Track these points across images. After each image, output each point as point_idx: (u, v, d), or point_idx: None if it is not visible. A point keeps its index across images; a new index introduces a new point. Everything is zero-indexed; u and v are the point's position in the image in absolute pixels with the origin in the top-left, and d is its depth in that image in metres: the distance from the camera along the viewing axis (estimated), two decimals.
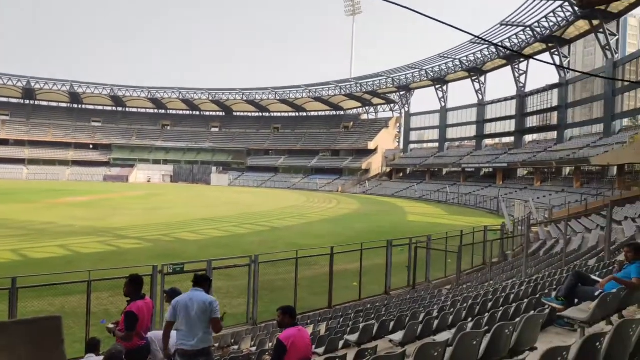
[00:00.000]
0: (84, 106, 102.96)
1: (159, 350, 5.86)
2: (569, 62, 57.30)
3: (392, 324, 7.75)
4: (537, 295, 7.31)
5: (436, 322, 7.01)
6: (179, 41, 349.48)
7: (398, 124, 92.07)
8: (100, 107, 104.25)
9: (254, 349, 8.76)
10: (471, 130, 72.94)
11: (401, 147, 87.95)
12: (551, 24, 50.56)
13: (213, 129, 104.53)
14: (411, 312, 8.70)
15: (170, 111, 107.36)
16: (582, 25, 49.49)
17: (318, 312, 13.42)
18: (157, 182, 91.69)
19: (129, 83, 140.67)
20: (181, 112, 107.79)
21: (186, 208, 41.96)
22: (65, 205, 40.73)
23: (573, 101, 54.04)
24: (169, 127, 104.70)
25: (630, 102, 44.79)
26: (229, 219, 34.70)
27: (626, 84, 41.88)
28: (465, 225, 28.39)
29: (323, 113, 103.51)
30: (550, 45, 54.62)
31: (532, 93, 61.05)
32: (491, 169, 64.47)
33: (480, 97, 70.64)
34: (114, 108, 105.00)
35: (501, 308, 6.72)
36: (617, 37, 47.15)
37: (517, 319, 4.79)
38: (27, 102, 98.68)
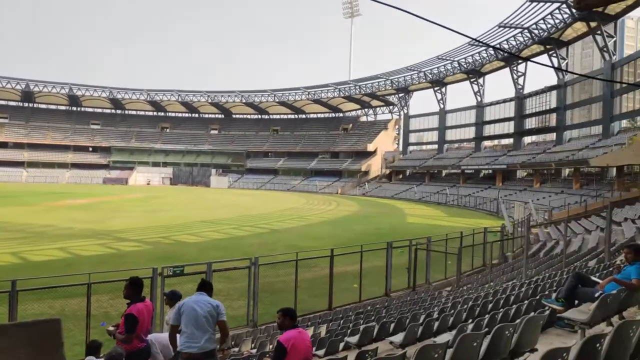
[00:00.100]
0: (83, 109, 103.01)
1: (159, 353, 5.86)
2: (567, 63, 57.43)
3: (392, 325, 7.75)
4: (537, 297, 7.32)
5: (436, 323, 7.01)
6: (178, 44, 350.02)
7: (397, 126, 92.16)
8: (99, 110, 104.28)
9: (254, 351, 8.76)
10: (470, 132, 73.04)
11: (400, 149, 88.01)
12: (549, 25, 50.69)
13: (212, 132, 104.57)
14: (411, 313, 8.70)
15: (170, 114, 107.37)
16: (580, 27, 49.63)
17: (318, 314, 13.41)
18: (157, 184, 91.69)
19: (128, 86, 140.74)
20: (180, 115, 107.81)
21: (186, 210, 41.94)
22: (64, 208, 40.70)
23: (571, 103, 54.15)
24: (168, 130, 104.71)
25: (628, 104, 44.88)
26: (228, 221, 34.68)
27: (624, 85, 41.98)
28: (465, 226, 28.40)
29: (322, 115, 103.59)
30: (548, 47, 54.74)
31: (530, 95, 61.16)
32: (490, 171, 64.53)
33: (479, 98, 70.75)
34: (113, 111, 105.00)
35: (501, 309, 6.72)
36: (614, 38, 47.29)
37: (517, 321, 4.79)
38: (26, 104, 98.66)
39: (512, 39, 55.91)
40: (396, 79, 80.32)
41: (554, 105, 56.28)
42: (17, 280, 9.32)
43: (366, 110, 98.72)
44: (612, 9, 42.94)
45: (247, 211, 42.96)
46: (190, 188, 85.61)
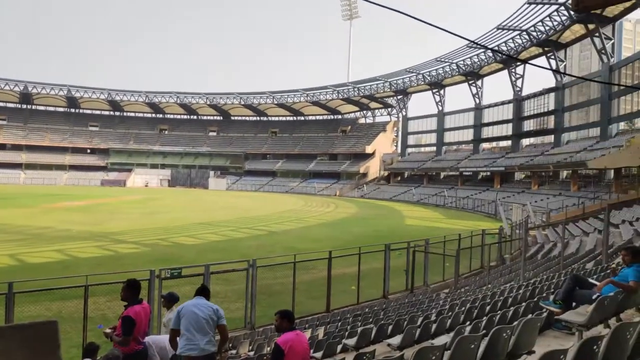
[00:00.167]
0: (81, 110, 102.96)
1: (157, 355, 5.85)
2: (565, 66, 57.66)
3: (390, 327, 7.74)
4: (535, 299, 7.32)
5: (434, 325, 7.01)
6: (177, 46, 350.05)
7: (395, 128, 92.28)
8: (97, 112, 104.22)
9: (251, 353, 8.75)
10: (468, 134, 73.17)
11: (399, 151, 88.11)
12: (547, 28, 50.85)
13: (211, 133, 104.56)
14: (409, 316, 8.69)
15: (168, 115, 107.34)
16: (578, 29, 49.81)
17: (316, 316, 13.38)
18: (155, 186, 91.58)
19: (126, 87, 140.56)
20: (179, 117, 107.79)
21: (184, 212, 41.89)
22: (62, 210, 40.63)
23: (569, 105, 54.30)
24: (166, 132, 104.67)
25: (626, 106, 45.02)
26: (226, 223, 34.65)
27: (622, 87, 42.11)
28: (463, 228, 28.42)
29: (321, 117, 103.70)
30: (546, 49, 54.91)
31: (528, 97, 61.33)
32: (488, 173, 64.64)
33: (477, 101, 70.89)
34: (111, 112, 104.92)
35: (499, 312, 6.72)
36: (612, 41, 47.42)
37: (515, 323, 4.79)
38: (24, 106, 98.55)
39: (511, 41, 56.08)
40: (395, 81, 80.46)
41: (552, 107, 56.43)
42: (14, 283, 9.29)
43: (365, 112, 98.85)
44: (610, 11, 43.11)
45: (245, 213, 42.93)
46: (188, 190, 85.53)
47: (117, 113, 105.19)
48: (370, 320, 10.01)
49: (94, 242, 24.57)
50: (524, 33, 53.43)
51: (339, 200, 67.07)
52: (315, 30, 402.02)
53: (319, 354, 7.08)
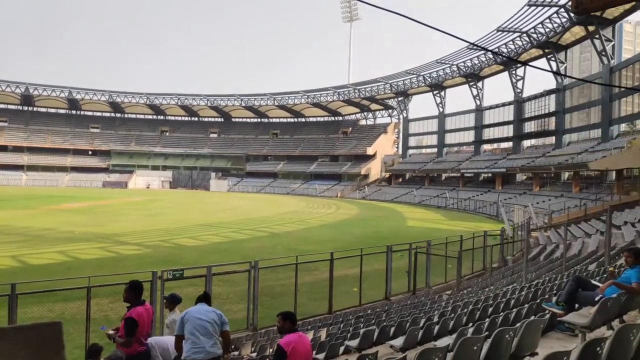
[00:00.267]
0: (82, 112, 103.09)
1: (159, 356, 5.86)
2: (565, 67, 57.62)
3: (392, 329, 7.74)
4: (538, 301, 7.32)
5: (437, 327, 7.01)
6: (177, 48, 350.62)
7: (396, 130, 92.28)
8: (98, 114, 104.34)
9: (254, 354, 8.75)
10: (469, 136, 73.14)
11: (400, 152, 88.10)
12: (547, 30, 50.84)
13: (212, 135, 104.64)
14: (412, 317, 8.69)
15: (169, 117, 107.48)
16: (578, 31, 49.80)
17: (318, 318, 13.38)
18: (156, 188, 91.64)
19: (127, 89, 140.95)
20: (180, 118, 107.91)
21: (185, 214, 41.92)
22: (64, 212, 40.68)
23: (570, 106, 54.27)
24: (167, 133, 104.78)
25: (627, 107, 44.99)
26: (228, 225, 34.67)
27: (623, 89, 42.10)
28: (464, 230, 28.40)
29: (321, 119, 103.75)
30: (546, 51, 54.90)
31: (529, 98, 61.30)
32: (490, 174, 64.59)
33: (478, 102, 70.88)
34: (112, 114, 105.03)
35: (502, 313, 6.72)
36: (612, 42, 47.42)
37: (518, 324, 4.79)
38: (25, 108, 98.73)
39: (511, 42, 56.08)
40: (395, 83, 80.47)
41: (553, 108, 56.41)
42: (17, 284, 9.31)
43: (365, 113, 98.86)
44: (610, 13, 43.13)
45: (247, 214, 42.95)
46: (189, 191, 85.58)
47: (118, 115, 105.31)
48: (373, 321, 10.01)
49: (96, 243, 24.61)
50: (524, 35, 53.43)
51: (341, 202, 67.06)
52: (316, 32, 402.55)
53: (321, 356, 7.09)
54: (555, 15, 47.80)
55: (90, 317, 9.70)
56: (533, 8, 47.18)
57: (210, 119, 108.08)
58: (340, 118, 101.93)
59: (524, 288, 10.08)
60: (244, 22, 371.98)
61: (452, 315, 7.68)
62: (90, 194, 66.66)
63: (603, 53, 46.15)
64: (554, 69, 54.05)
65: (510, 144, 66.16)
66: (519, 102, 62.78)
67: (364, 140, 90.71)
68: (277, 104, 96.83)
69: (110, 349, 5.61)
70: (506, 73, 64.91)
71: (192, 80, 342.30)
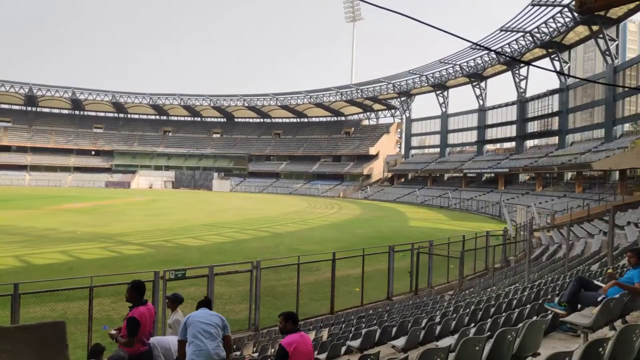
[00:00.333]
0: (85, 113, 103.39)
1: (161, 356, 5.86)
2: (569, 67, 57.44)
3: (394, 329, 7.73)
4: (540, 301, 7.29)
5: (439, 327, 7.00)
6: (180, 48, 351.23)
7: (399, 130, 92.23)
8: (101, 114, 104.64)
9: (256, 355, 8.75)
10: (472, 136, 73.03)
11: (402, 152, 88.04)
12: (551, 29, 50.73)
13: (214, 135, 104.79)
14: (413, 317, 8.68)
15: (172, 117, 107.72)
16: (582, 30, 49.67)
17: (320, 318, 13.37)
18: (159, 188, 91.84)
19: (130, 89, 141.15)
20: (182, 119, 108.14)
21: (188, 214, 41.98)
22: (67, 212, 40.79)
23: (574, 106, 54.12)
24: (170, 134, 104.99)
25: (631, 107, 44.84)
26: (230, 225, 34.70)
27: (627, 89, 41.95)
28: (467, 230, 28.36)
29: (324, 119, 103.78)
30: (550, 50, 54.78)
31: (532, 98, 61.16)
32: (493, 174, 64.47)
33: (481, 102, 70.77)
34: (115, 114, 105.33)
35: (504, 313, 6.71)
36: (616, 42, 47.27)
37: (520, 325, 4.78)
38: (29, 108, 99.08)
39: (514, 42, 55.99)
40: (398, 83, 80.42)
41: (556, 108, 56.26)
42: (20, 284, 9.34)
43: (368, 113, 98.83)
44: (614, 12, 42.98)
45: (249, 214, 42.98)
46: (192, 191, 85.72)
47: (121, 115, 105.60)
48: (374, 322, 9.99)
49: (99, 243, 24.67)
50: (528, 35, 53.33)
51: (343, 202, 67.05)
52: (319, 32, 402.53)
53: (323, 356, 7.08)
54: (558, 14, 47.70)
55: (92, 317, 9.71)
56: (537, 8, 47.10)
57: (212, 119, 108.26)
58: (343, 118, 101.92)
59: (526, 288, 10.05)
60: (246, 22, 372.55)
61: (454, 315, 7.67)
62: (93, 194, 66.83)
63: (607, 53, 46.01)
64: (558, 68, 53.92)
65: (513, 144, 66.02)
66: (522, 102, 62.64)
67: (367, 140, 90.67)
68: (279, 104, 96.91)
69: (113, 349, 5.61)
70: (509, 73, 64.81)
71: (195, 81, 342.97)
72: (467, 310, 8.07)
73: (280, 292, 14.85)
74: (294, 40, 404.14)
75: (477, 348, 4.27)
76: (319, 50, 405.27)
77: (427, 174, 75.33)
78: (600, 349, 3.45)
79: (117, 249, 23.22)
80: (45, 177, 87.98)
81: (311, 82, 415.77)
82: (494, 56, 61.91)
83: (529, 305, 6.95)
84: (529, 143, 65.81)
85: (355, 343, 7.37)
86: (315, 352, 6.58)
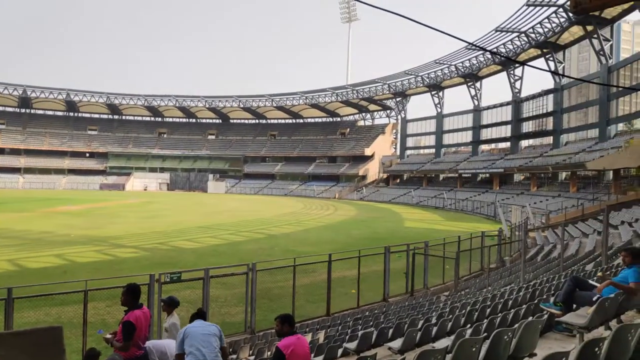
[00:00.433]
0: (80, 114, 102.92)
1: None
2: (563, 67, 57.75)
3: (390, 331, 7.73)
4: (536, 301, 7.31)
5: (435, 329, 7.00)
6: (175, 49, 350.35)
7: (394, 130, 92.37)
8: (96, 115, 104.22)
9: (252, 358, 8.72)
10: (467, 136, 73.25)
11: (398, 153, 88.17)
12: (546, 29, 50.98)
13: (209, 137, 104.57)
14: (410, 319, 8.68)
15: (167, 119, 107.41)
16: (577, 30, 49.94)
17: (316, 320, 13.36)
18: (154, 190, 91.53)
19: (125, 91, 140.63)
20: (177, 120, 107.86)
21: (183, 216, 41.86)
22: (61, 214, 40.55)
23: (568, 106, 54.41)
24: (165, 135, 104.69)
25: (625, 107, 45.11)
26: (226, 227, 34.62)
27: (621, 88, 42.21)
28: (462, 231, 28.42)
29: (319, 119, 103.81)
30: (545, 50, 55.04)
31: (527, 98, 61.43)
32: (488, 175, 64.68)
33: (476, 102, 71.00)
34: (110, 116, 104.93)
35: (500, 314, 6.72)
36: (611, 42, 47.56)
37: (516, 325, 4.78)
38: (23, 110, 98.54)
39: (509, 42, 56.22)
40: (393, 84, 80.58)
41: (550, 108, 56.53)
42: (14, 288, 9.27)
43: (364, 114, 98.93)
44: (609, 12, 43.26)
45: (245, 216, 42.90)
46: (187, 193, 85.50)
47: (116, 117, 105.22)
48: (371, 323, 9.99)
49: (93, 246, 24.54)
50: (523, 35, 53.58)
51: (338, 203, 67.06)
52: (314, 33, 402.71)
53: (320, 358, 7.07)
54: (553, 15, 47.94)
55: (87, 321, 9.66)
56: (532, 8, 47.31)
57: (208, 121, 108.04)
58: (339, 119, 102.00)
59: (522, 289, 10.08)
60: (241, 23, 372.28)
61: (450, 316, 7.67)
62: (87, 196, 66.50)
63: (601, 53, 46.28)
64: (552, 68, 54.20)
65: (508, 144, 66.25)
66: (517, 102, 62.90)
67: (362, 141, 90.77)
68: (275, 105, 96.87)
69: (108, 354, 5.58)
70: (504, 73, 65.05)
71: (192, 81, 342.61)
72: (463, 311, 8.08)
73: (276, 295, 14.82)
74: (291, 41, 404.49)
75: (474, 349, 4.27)
76: (316, 51, 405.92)
77: (422, 175, 75.49)
78: (597, 349, 3.46)
79: (111, 252, 23.10)
80: (39, 180, 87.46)
81: (308, 82, 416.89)
82: (489, 56, 62.16)
83: (524, 306, 6.96)
84: (524, 143, 66.07)
85: (352, 345, 7.37)
86: (312, 355, 6.57)
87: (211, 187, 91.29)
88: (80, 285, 10.05)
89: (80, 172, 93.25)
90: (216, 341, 5.32)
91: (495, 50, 56.49)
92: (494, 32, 54.34)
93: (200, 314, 5.74)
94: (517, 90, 63.16)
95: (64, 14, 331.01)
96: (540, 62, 56.77)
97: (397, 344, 6.70)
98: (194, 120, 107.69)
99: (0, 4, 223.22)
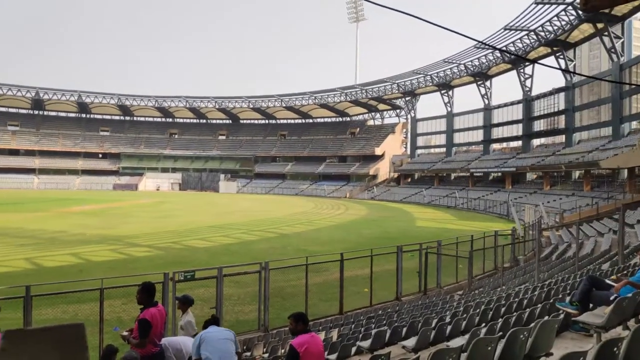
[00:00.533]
0: (92, 116, 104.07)
1: (173, 357, 5.90)
2: (574, 65, 57.11)
3: (404, 330, 7.72)
4: (551, 300, 7.26)
5: (449, 327, 6.98)
6: (185, 50, 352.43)
7: (404, 130, 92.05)
8: (108, 117, 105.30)
9: (266, 355, 8.78)
10: (478, 135, 72.76)
11: (408, 152, 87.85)
12: (555, 27, 50.44)
13: (220, 137, 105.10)
14: (423, 318, 8.66)
15: (178, 120, 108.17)
16: (587, 28, 49.35)
17: (329, 319, 13.39)
18: (166, 190, 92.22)
19: (136, 92, 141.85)
20: (188, 121, 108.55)
21: (195, 216, 42.14)
22: (75, 214, 41.06)
23: (580, 104, 53.78)
24: (176, 136, 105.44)
25: (638, 105, 44.49)
26: (238, 226, 34.80)
27: (633, 86, 41.61)
28: (475, 230, 28.25)
29: (329, 119, 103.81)
30: (555, 48, 54.46)
31: (538, 97, 60.84)
32: (499, 174, 64.18)
33: (486, 101, 70.48)
34: (121, 117, 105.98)
35: (515, 313, 6.68)
36: (622, 39, 46.95)
37: (532, 324, 4.76)
38: (36, 112, 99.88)
39: (519, 41, 55.71)
40: (403, 83, 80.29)
41: (562, 107, 55.93)
42: (31, 286, 9.42)
43: (373, 114, 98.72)
44: (619, 10, 42.65)
45: (256, 216, 43.07)
46: (199, 193, 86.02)
47: (128, 118, 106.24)
48: (384, 322, 9.99)
49: (108, 245, 24.83)
50: (532, 33, 53.06)
51: (349, 202, 67.01)
52: (323, 33, 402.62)
53: (333, 356, 7.09)
54: (563, 12, 47.44)
55: (103, 319, 9.79)
56: (540, 6, 46.86)
57: (218, 121, 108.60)
58: (348, 119, 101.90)
59: (537, 288, 10.00)
60: (250, 23, 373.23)
61: (465, 315, 7.65)
62: (101, 196, 67.23)
63: (612, 50, 45.69)
64: (563, 67, 53.63)
65: (519, 143, 65.70)
66: (527, 101, 62.32)
67: (372, 140, 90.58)
68: (284, 105, 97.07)
69: (125, 350, 5.66)
70: (514, 72, 64.49)
71: (197, 81, 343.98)
72: (478, 310, 8.04)
73: (288, 293, 14.88)
74: (297, 40, 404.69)
75: (489, 348, 4.26)
76: (322, 50, 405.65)
77: (433, 174, 75.13)
78: (615, 349, 3.43)
79: (126, 251, 23.36)
80: (53, 180, 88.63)
81: (315, 82, 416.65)
82: (499, 55, 61.65)
83: (540, 305, 6.91)
84: (536, 142, 65.41)
85: (366, 343, 7.37)
86: (326, 353, 6.59)
87: (223, 187, 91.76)
88: (96, 284, 10.18)
89: (94, 172, 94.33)
90: (232, 346, 5.39)
91: (504, 48, 56.01)
92: (503, 30, 53.90)
93: (214, 320, 5.83)
94: (527, 89, 62.58)
95: (70, 13, 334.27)
96: (551, 60, 56.23)
97: (411, 342, 6.70)
98: (204, 120, 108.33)
99: (6, 3, 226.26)
